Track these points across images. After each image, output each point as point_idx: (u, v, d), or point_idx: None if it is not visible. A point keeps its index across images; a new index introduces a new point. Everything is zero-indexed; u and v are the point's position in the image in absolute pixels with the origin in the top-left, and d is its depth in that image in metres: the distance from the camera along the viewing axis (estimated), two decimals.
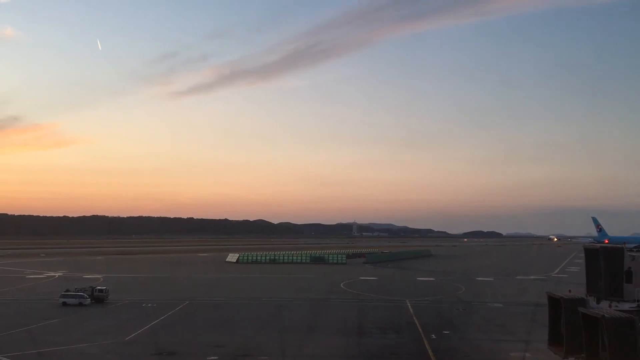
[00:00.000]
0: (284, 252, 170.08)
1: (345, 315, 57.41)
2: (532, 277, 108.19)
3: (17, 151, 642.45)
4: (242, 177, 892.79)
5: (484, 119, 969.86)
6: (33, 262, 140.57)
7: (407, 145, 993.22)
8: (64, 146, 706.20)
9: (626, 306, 30.24)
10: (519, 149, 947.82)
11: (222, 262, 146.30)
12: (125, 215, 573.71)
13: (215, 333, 47.68)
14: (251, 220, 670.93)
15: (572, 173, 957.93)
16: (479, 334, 47.57)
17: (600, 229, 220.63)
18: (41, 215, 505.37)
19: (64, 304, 63.33)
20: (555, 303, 33.33)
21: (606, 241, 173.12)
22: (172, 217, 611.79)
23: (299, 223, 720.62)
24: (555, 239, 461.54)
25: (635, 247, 38.30)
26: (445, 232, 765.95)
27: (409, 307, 63.51)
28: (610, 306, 30.47)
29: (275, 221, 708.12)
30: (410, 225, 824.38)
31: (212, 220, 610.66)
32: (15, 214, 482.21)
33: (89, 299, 64.89)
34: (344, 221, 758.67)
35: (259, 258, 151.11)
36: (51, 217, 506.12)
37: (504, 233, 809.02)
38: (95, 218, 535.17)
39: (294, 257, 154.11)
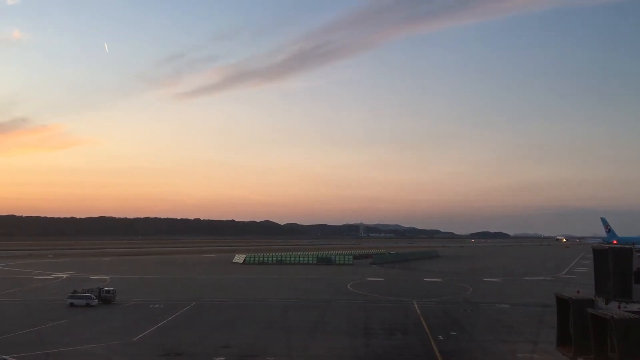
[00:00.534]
0: (290, 253, 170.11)
1: (352, 316, 57.38)
2: (539, 277, 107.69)
3: (24, 152, 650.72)
4: (249, 178, 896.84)
5: (491, 119, 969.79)
6: (40, 263, 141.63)
7: (413, 146, 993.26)
8: (71, 147, 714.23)
9: (635, 307, 29.95)
10: (526, 150, 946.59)
11: (229, 263, 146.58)
12: (132, 217, 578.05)
13: (222, 334, 47.73)
14: (258, 221, 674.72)
15: (580, 173, 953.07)
16: (487, 335, 47.36)
17: (609, 229, 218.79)
18: (48, 216, 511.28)
19: (72, 304, 63.55)
20: (563, 304, 33.12)
21: (615, 242, 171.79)
22: (178, 218, 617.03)
23: (306, 224, 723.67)
24: (564, 240, 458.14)
25: None
26: (452, 233, 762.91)
27: (416, 308, 63.36)
28: (619, 307, 30.19)
29: (282, 222, 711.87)
30: (417, 226, 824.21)
31: (219, 221, 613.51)
32: (23, 215, 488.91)
33: (97, 300, 65.09)
34: (351, 222, 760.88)
35: (265, 259, 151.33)
36: (58, 218, 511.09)
37: (511, 234, 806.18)
38: (102, 219, 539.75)
39: (301, 258, 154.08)
